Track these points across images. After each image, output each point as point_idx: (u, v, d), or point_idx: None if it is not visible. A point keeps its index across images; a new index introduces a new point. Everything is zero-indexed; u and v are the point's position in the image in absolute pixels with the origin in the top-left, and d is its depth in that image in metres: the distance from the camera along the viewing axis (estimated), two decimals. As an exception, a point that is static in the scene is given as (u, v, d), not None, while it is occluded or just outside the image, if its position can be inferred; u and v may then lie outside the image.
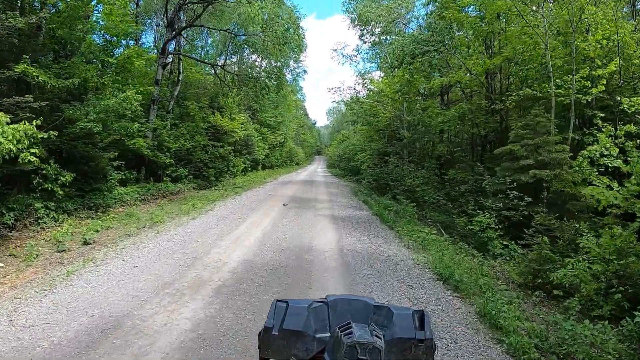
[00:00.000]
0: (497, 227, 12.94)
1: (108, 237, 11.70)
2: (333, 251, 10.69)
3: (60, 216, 12.71)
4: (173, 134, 23.28)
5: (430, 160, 24.69)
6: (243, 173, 35.45)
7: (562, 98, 15.39)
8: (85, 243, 10.83)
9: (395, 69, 22.32)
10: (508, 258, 11.57)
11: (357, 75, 44.54)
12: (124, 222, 13.63)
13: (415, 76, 20.80)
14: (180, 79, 26.26)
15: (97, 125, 13.54)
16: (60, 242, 10.56)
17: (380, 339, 1.35)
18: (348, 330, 1.36)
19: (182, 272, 8.56)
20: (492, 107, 18.36)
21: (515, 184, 13.71)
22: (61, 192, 12.54)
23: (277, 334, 1.46)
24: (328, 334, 1.47)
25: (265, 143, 44.31)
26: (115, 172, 16.89)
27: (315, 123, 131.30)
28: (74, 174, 12.99)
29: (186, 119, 25.68)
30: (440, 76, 22.52)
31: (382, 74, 34.04)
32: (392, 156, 27.30)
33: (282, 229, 13.13)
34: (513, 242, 12.30)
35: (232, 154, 31.30)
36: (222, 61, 36.28)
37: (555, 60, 15.91)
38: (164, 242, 11.05)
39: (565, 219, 11.55)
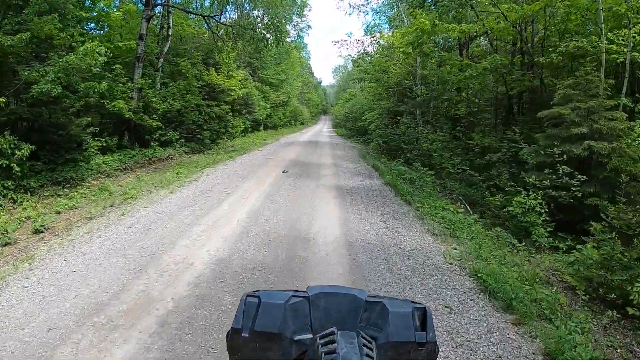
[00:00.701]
0: (542, 209, 10.35)
1: (67, 221, 9.66)
2: (337, 243, 8.30)
3: (20, 196, 10.88)
4: (161, 94, 20.94)
5: (448, 122, 22.14)
6: (243, 134, 33.19)
7: (616, 55, 12.81)
8: (36, 232, 8.88)
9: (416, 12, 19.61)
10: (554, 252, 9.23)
11: (364, 34, 41.16)
12: (92, 199, 11.59)
13: (440, 19, 18.01)
14: (170, 33, 23.54)
15: (55, 87, 11.25)
16: (4, 233, 8.53)
17: (371, 356, 1.07)
18: (331, 345, 1.07)
19: (127, 281, 6.33)
20: (532, 61, 15.68)
21: (565, 156, 11.09)
22: (18, 169, 10.68)
23: (247, 336, 1.19)
24: (309, 336, 1.20)
25: (267, 102, 41.79)
26: (95, 139, 15.20)
27: (320, 82, 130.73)
28: (33, 147, 11.17)
29: (178, 77, 23.26)
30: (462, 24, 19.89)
31: (391, 32, 30.99)
32: (404, 116, 24.59)
33: (274, 207, 10.76)
34: (561, 232, 10.00)
35: (230, 114, 29.01)
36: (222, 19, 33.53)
37: (606, 12, 13.30)
38: (123, 230, 8.84)
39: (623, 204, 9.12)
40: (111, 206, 10.86)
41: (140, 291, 6.02)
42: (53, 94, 11.27)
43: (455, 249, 8.40)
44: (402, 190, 13.33)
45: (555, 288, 7.11)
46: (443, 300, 6.12)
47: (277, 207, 10.68)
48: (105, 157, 15.83)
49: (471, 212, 12.00)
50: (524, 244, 9.38)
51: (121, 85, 17.29)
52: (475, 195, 13.88)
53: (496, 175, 13.49)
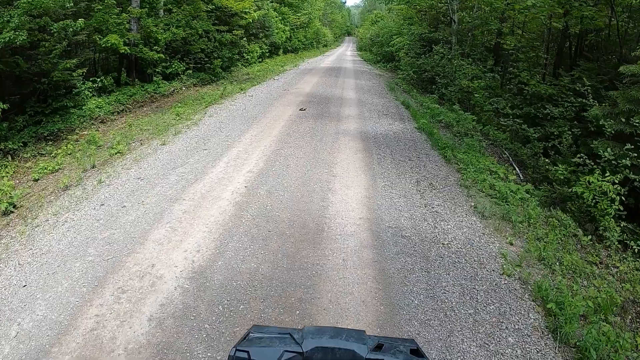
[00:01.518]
0: (618, 195, 7.58)
1: (41, 193, 7.96)
2: (360, 236, 6.14)
3: (-3, 161, 9.30)
4: (164, 21, 18.56)
5: (489, 56, 19.19)
6: (260, 60, 30.72)
7: None
8: (4, 213, 7.12)
9: None
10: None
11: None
12: (77, 156, 9.71)
13: None
14: (172, -51, 20.83)
15: (19, 34, 9.46)
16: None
17: None
18: None
19: (78, 309, 4.48)
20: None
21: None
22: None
23: None
24: None
25: (287, 24, 38.83)
26: (90, 80, 13.65)
27: (344, 2, 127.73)
28: (6, 105, 9.48)
29: (184, 2, 20.69)
30: None
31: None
32: (441, 45, 21.44)
33: (281, 169, 8.57)
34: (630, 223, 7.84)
35: (245, 39, 26.56)
36: None
37: None
38: (94, 210, 6.94)
39: None
40: (92, 168, 9.01)
41: (89, 331, 4.19)
42: (18, 42, 9.51)
43: (511, 243, 6.37)
44: (439, 142, 11.03)
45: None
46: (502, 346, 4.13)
47: (285, 170, 8.51)
48: (100, 99, 13.98)
49: (522, 178, 9.77)
50: (589, 237, 7.13)
51: (114, 16, 15.00)
52: (525, 154, 11.47)
53: (556, 135, 10.95)
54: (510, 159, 11.44)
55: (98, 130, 12.33)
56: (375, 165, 9.01)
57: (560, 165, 9.32)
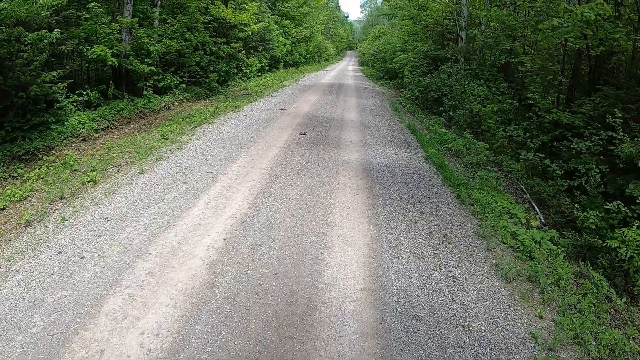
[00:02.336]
0: None
1: (5, 227, 7.11)
2: (361, 318, 4.87)
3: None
4: (157, 32, 17.59)
5: (498, 77, 17.95)
6: (259, 74, 29.74)
7: None
8: None
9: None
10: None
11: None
12: (49, 181, 8.94)
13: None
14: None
15: None
16: None
17: None
18: None
19: None
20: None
21: None
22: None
23: None
24: None
25: (288, 38, 37.84)
26: (76, 93, 13.23)
27: (347, 16, 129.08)
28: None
29: (180, 12, 19.63)
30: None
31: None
32: (450, 63, 20.18)
33: (268, 216, 7.19)
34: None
35: (243, 52, 25.64)
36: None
37: None
38: (47, 261, 5.90)
39: None
40: (61, 199, 8.04)
41: None
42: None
43: (541, 316, 5.23)
44: (451, 177, 9.85)
45: None
46: None
47: (274, 217, 7.21)
48: (84, 115, 13.06)
49: (543, 220, 8.57)
50: (624, 300, 5.94)
51: (104, 26, 14.27)
52: (546, 192, 10.26)
53: (583, 171, 9.72)
54: (529, 197, 10.26)
55: (78, 150, 11.44)
56: (380, 211, 7.75)
57: (590, 212, 8.11)
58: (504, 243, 7.10)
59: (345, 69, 52.68)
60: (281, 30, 36.22)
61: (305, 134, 13.20)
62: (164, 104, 16.56)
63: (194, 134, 12.52)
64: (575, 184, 9.61)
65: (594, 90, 12.23)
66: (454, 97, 17.31)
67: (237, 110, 16.76)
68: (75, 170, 9.64)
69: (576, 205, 8.50)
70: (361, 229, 6.95)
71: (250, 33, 25.59)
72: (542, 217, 8.95)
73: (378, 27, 64.62)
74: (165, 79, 17.47)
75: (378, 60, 41.13)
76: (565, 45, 14.65)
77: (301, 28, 42.80)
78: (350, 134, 13.68)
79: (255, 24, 26.38)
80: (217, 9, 21.74)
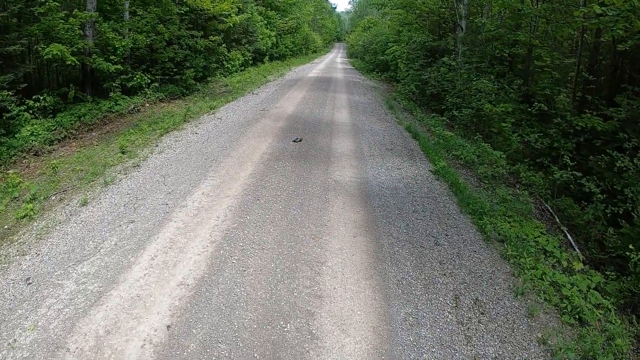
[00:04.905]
0: None
1: None
2: None
3: None
4: (126, 26, 15.69)
5: (505, 69, 15.77)
6: (242, 68, 27.71)
7: None
8: None
9: None
10: None
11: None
12: None
13: None
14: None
15: None
16: None
17: None
18: None
19: None
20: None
21: None
22: None
23: None
24: None
25: (273, 29, 35.71)
26: (32, 99, 11.71)
27: (335, 7, 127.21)
28: None
29: (153, 4, 17.56)
30: None
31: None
32: (453, 56, 18.03)
33: (233, 283, 5.18)
34: None
35: (224, 46, 23.53)
36: None
37: None
38: None
39: None
40: None
41: None
42: None
43: None
44: (469, 200, 7.98)
45: None
46: None
47: (240, 284, 5.17)
48: (36, 125, 11.28)
49: (579, 255, 6.74)
50: None
51: (61, 21, 12.36)
52: (579, 217, 8.43)
53: (629, 195, 7.81)
54: (559, 222, 8.43)
55: (28, 168, 9.69)
56: (387, 265, 5.76)
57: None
58: (546, 301, 5.39)
59: (333, 61, 50.46)
60: (266, 22, 34.11)
61: (300, 140, 11.33)
62: (132, 106, 14.59)
63: (157, 146, 10.53)
64: (621, 211, 7.81)
65: (618, 91, 10.45)
66: (456, 93, 15.39)
67: (212, 112, 14.75)
68: (16, 197, 7.84)
69: (604, 222, 6.72)
70: (363, 300, 4.98)
71: (231, 25, 23.66)
72: (579, 254, 7.09)
73: (367, 17, 62.68)
74: (135, 78, 15.44)
75: (368, 52, 39.07)
76: (582, 38, 12.80)
77: (287, 19, 40.72)
78: (342, 141, 11.70)
79: (237, 14, 24.52)
80: (195, -1, 19.63)
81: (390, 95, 21.52)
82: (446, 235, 6.73)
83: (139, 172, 8.74)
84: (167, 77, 17.47)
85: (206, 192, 7.68)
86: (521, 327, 4.85)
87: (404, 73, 22.05)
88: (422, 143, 11.91)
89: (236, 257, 5.63)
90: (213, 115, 14.21)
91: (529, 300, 5.36)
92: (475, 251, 6.36)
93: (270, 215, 6.89)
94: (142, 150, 10.16)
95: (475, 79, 14.73)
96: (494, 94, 13.16)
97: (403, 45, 25.05)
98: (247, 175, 8.57)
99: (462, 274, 5.72)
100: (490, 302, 5.21)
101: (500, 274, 5.84)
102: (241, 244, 5.97)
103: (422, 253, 6.12)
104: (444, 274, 5.66)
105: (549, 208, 9.08)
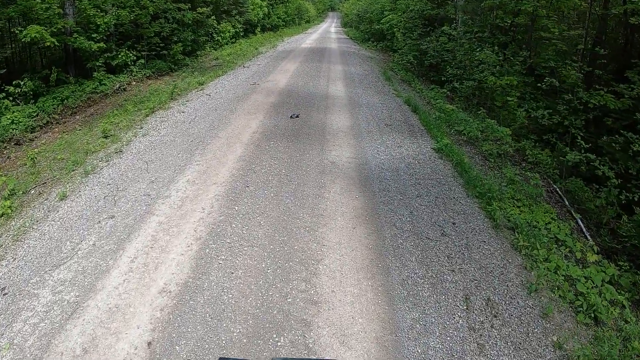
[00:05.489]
0: None
1: None
2: None
3: None
4: (108, 1, 14.77)
5: (508, 40, 15.06)
6: (233, 41, 26.82)
7: None
8: None
9: None
10: None
11: None
12: None
13: None
14: None
15: None
16: None
17: None
18: None
19: None
20: None
21: None
22: None
23: None
24: None
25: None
26: (13, 84, 10.95)
27: None
28: None
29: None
30: None
31: None
32: (454, 25, 17.36)
33: (220, 287, 4.66)
34: None
35: (213, 18, 22.65)
36: None
37: None
38: None
39: None
40: None
41: None
42: None
43: None
44: (476, 182, 7.48)
45: None
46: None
47: (226, 292, 4.61)
48: (16, 112, 10.62)
49: (595, 249, 6.28)
50: None
51: (39, 1, 11.70)
52: (592, 202, 7.96)
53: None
54: (570, 208, 7.96)
55: (9, 159, 9.02)
56: (390, 261, 5.22)
57: None
58: (561, 298, 5.00)
59: (327, 31, 49.25)
60: (256, -9, 32.99)
61: (297, 116, 10.77)
62: (118, 85, 13.90)
63: (141, 128, 9.88)
64: (636, 198, 7.37)
65: (628, 66, 9.90)
66: (457, 64, 14.74)
67: (201, 88, 14.02)
68: (-8, 193, 7.19)
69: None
70: (364, 305, 4.46)
71: (219, -6, 22.82)
72: (593, 245, 6.62)
73: (362, -16, 61.05)
74: (120, 56, 14.64)
75: (363, 21, 38.08)
76: (590, 8, 12.18)
77: (279, -12, 39.63)
78: (338, 116, 11.10)
79: (225, -16, 23.63)
80: (179, -31, 18.72)
81: (387, 66, 20.76)
82: (453, 223, 6.22)
83: (121, 158, 8.13)
84: (154, 53, 16.63)
85: (191, 179, 7.10)
86: (536, 330, 4.41)
87: (401, 43, 21.29)
88: (423, 117, 11.33)
89: (223, 257, 5.09)
90: (202, 91, 13.53)
91: (542, 298, 4.93)
92: (484, 242, 5.86)
93: (260, 205, 6.33)
94: (126, 133, 9.54)
95: (477, 49, 14.07)
96: (497, 66, 12.53)
97: (400, 13, 24.18)
98: (235, 158, 7.98)
99: (472, 269, 5.22)
100: (503, 302, 4.74)
101: (512, 268, 5.37)
102: (229, 241, 5.42)
103: (428, 246, 5.61)
104: (453, 270, 5.16)
105: (558, 190, 8.61)
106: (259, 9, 32.02)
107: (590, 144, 8.72)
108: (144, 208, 6.21)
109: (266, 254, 5.19)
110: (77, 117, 11.58)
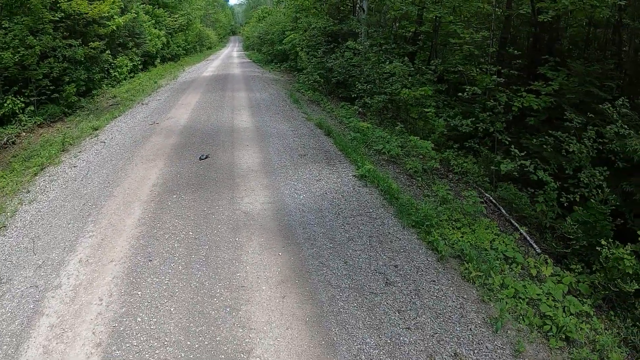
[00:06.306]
0: None
1: None
2: None
3: None
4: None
5: (416, 50, 14.86)
6: (131, 75, 25.07)
7: None
8: None
9: None
10: None
11: None
12: None
13: None
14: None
15: None
16: None
17: None
18: None
19: None
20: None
21: None
22: None
23: None
24: None
25: (162, 28, 33.24)
26: None
27: (227, 0, 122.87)
28: None
29: (20, 12, 15.06)
30: None
31: None
32: (360, 39, 16.84)
33: None
34: None
35: (108, 52, 20.97)
36: None
37: None
38: None
39: None
40: None
41: None
42: None
43: None
44: (409, 209, 6.83)
45: None
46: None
47: None
48: None
49: (549, 261, 6.00)
50: None
51: None
52: (526, 206, 7.62)
53: (585, 181, 7.05)
54: (507, 215, 7.55)
55: None
56: (334, 334, 4.33)
57: (620, 249, 5.61)
58: (529, 327, 4.63)
59: (229, 56, 48.36)
60: (154, 21, 31.42)
61: (207, 157, 9.75)
62: (6, 138, 12.35)
63: (28, 192, 8.40)
64: (577, 198, 7.03)
65: (539, 64, 9.78)
66: (365, 79, 14.23)
67: (95, 134, 12.55)
68: None
69: (608, 248, 5.88)
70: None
71: (115, 28, 21.27)
72: (547, 258, 6.15)
73: (261, 7, 61.25)
74: (7, 104, 13.12)
75: (265, 43, 37.59)
76: (495, 10, 12.04)
77: (177, 16, 37.91)
78: (247, 152, 10.14)
79: (120, 16, 22.10)
80: (68, 2, 17.15)
81: (293, 87, 20.15)
82: (395, 266, 5.48)
83: (4, 236, 6.69)
84: (44, 97, 15.00)
85: (84, 257, 5.86)
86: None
87: (306, 62, 20.78)
88: (338, 141, 10.67)
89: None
90: (96, 138, 12.08)
91: (510, 332, 4.48)
92: (434, 281, 5.19)
93: (168, 285, 5.21)
94: (11, 200, 8.08)
95: (385, 61, 13.64)
96: (409, 77, 12.09)
97: (301, 32, 23.73)
98: (134, 222, 6.79)
99: (429, 321, 4.51)
100: (472, 352, 4.18)
101: (470, 306, 4.78)
102: (135, 343, 4.30)
103: (374, 302, 4.81)
104: (408, 328, 4.41)
105: (492, 199, 8.16)
106: (157, 39, 30.58)
107: (513, 144, 8.40)
108: (32, 306, 4.94)
109: (183, 354, 4.15)
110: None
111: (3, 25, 13.83)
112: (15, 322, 4.73)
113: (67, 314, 4.79)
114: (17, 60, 13.56)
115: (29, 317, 4.79)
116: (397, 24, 15.63)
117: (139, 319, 4.64)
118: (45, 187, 8.65)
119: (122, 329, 4.51)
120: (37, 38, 14.55)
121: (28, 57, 13.95)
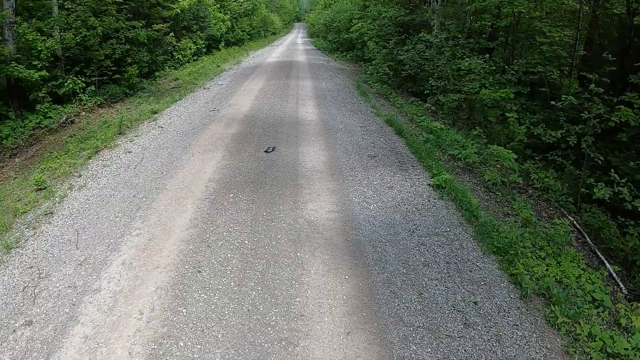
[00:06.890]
0: None
1: None
2: None
3: None
4: (55, 23, 13.18)
5: (501, 51, 13.79)
6: (195, 57, 25.15)
7: None
8: None
9: None
10: None
11: None
12: None
13: None
14: None
15: None
16: None
17: None
18: None
19: None
20: None
21: None
22: None
23: None
24: None
25: (227, 13, 33.13)
26: None
27: None
28: None
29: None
30: None
31: None
32: (434, 32, 15.81)
33: None
34: None
35: (172, 35, 21.11)
36: None
37: None
38: None
39: None
40: None
41: None
42: None
43: None
44: (488, 228, 6.10)
45: None
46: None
47: None
48: None
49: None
50: None
51: None
52: (614, 236, 6.75)
53: None
54: (592, 245, 6.70)
55: None
56: None
57: None
58: None
59: (294, 42, 47.80)
60: (219, 5, 31.55)
61: (273, 149, 9.31)
62: (65, 116, 12.24)
63: (80, 176, 8.18)
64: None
65: (631, 72, 8.67)
66: (439, 74, 13.34)
67: (153, 117, 12.29)
68: None
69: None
70: None
71: (179, 11, 21.38)
72: (624, 288, 5.37)
73: (328, -7, 60.13)
74: (67, 84, 12.99)
75: (331, 31, 36.84)
76: (581, 9, 11.01)
77: (242, 1, 38.09)
78: (312, 148, 9.51)
79: (184, 0, 22.09)
80: (131, -16, 17.01)
81: (360, 78, 19.50)
82: (475, 303, 4.75)
83: (50, 224, 6.42)
84: (105, 77, 14.88)
85: (128, 259, 5.39)
86: None
87: (374, 53, 19.96)
88: (410, 142, 9.92)
89: None
90: (154, 122, 11.82)
91: None
92: (517, 325, 4.45)
93: (218, 304, 4.63)
94: (62, 184, 7.82)
95: (461, 57, 12.71)
96: (490, 76, 11.17)
97: (370, 21, 22.84)
98: (185, 223, 6.27)
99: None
100: None
101: (553, 358, 4.02)
102: None
103: (450, 349, 4.10)
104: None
105: (577, 225, 7.28)
106: (222, 23, 30.47)
107: (603, 163, 7.50)
108: (67, 310, 4.53)
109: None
110: (16, 159, 9.93)
111: (66, 7, 13.75)
112: (48, 327, 4.35)
113: (103, 325, 4.33)
114: (78, 41, 13.53)
115: (64, 324, 4.38)
116: (473, 17, 14.58)
117: (182, 344, 4.10)
118: (97, 172, 8.35)
119: (161, 352, 3.99)
120: (100, 19, 14.39)
121: (90, 38, 13.91)
